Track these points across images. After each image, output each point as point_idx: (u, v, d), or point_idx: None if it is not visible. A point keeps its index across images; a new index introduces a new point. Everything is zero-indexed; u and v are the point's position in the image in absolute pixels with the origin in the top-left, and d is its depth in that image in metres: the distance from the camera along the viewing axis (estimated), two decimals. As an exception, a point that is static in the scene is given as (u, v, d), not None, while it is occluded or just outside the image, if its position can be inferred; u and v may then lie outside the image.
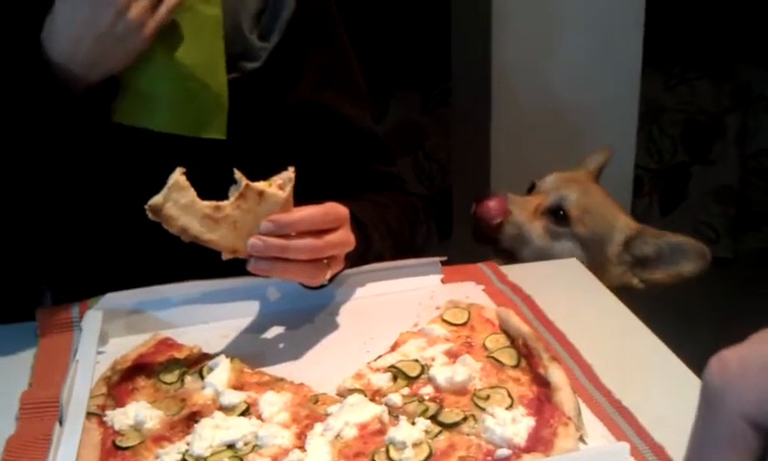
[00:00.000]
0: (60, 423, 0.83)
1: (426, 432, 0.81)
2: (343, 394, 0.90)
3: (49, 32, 0.97)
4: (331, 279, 1.05)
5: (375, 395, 0.89)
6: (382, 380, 0.91)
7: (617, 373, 0.93)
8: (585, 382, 0.92)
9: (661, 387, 0.93)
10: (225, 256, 0.92)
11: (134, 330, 1.03)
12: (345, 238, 1.00)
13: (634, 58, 2.38)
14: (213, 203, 0.90)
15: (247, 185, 0.91)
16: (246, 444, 0.80)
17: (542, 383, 0.88)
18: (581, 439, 0.81)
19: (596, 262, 1.51)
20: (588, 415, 0.85)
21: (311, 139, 1.21)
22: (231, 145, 1.08)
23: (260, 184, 0.92)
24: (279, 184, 0.94)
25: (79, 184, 1.08)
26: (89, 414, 0.83)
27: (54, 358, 0.98)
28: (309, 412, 0.86)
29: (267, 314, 1.09)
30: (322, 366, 0.97)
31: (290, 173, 0.95)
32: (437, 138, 3.16)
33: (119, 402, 0.88)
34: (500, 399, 0.86)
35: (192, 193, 0.89)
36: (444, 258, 1.18)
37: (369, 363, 0.95)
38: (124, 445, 0.81)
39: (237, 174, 0.92)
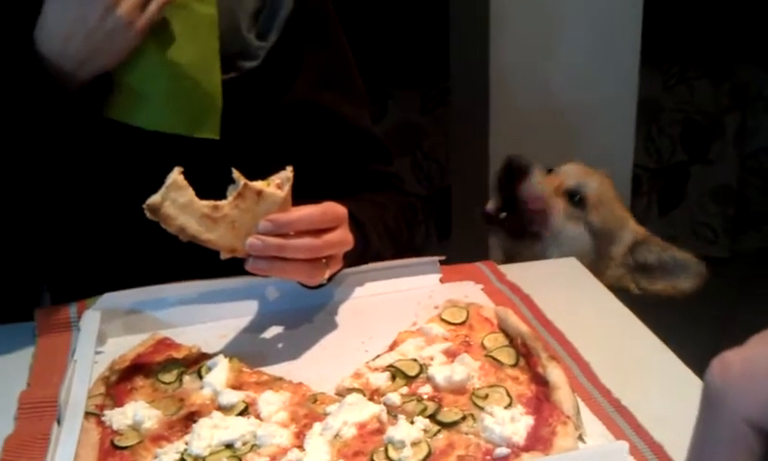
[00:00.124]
0: (59, 422, 0.83)
1: (425, 431, 0.81)
2: (341, 393, 0.90)
3: (41, 28, 0.97)
4: (330, 279, 1.05)
5: (374, 394, 0.88)
6: (381, 380, 0.90)
7: (616, 371, 0.93)
8: (583, 381, 0.92)
9: (660, 386, 0.93)
10: (223, 256, 0.92)
11: (133, 330, 1.03)
12: (343, 238, 1.00)
13: (632, 57, 2.38)
14: (211, 202, 0.90)
15: (245, 185, 0.91)
16: (244, 443, 0.80)
17: (541, 382, 0.88)
18: (580, 438, 0.81)
19: (600, 258, 1.52)
20: (586, 414, 0.85)
21: (309, 139, 1.21)
22: (229, 144, 1.08)
23: (258, 184, 0.92)
24: (278, 184, 0.94)
25: (76, 184, 1.08)
26: (88, 414, 0.83)
27: (52, 358, 0.98)
28: (308, 411, 0.86)
29: (265, 314, 1.09)
30: (320, 365, 0.97)
31: (288, 172, 0.95)
32: (436, 138, 3.16)
33: (117, 402, 0.88)
34: (499, 398, 0.86)
35: (190, 192, 0.89)
36: (443, 258, 1.18)
37: (367, 362, 0.95)
38: (122, 444, 0.80)
39: (235, 173, 0.91)
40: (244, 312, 1.08)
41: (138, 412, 0.84)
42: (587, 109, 2.39)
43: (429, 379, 0.90)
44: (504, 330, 0.99)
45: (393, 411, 0.85)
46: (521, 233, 1.58)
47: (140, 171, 0.98)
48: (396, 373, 0.91)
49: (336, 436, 0.81)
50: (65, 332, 1.03)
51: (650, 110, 3.23)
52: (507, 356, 0.93)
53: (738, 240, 3.43)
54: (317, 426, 0.82)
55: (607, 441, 0.81)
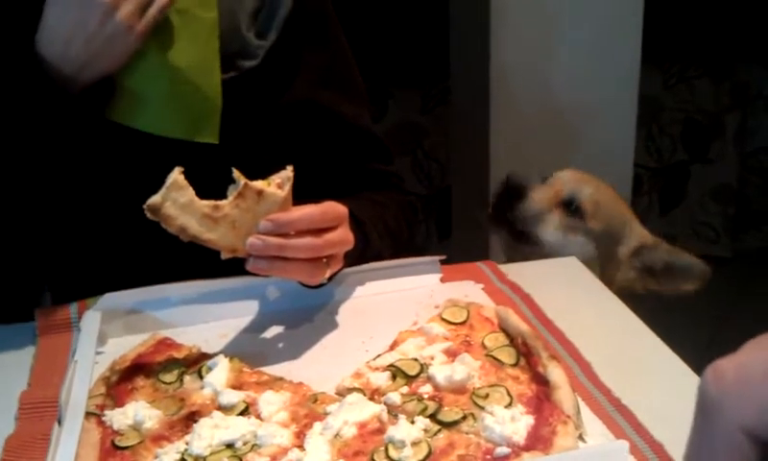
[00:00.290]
0: (59, 423, 0.83)
1: (425, 431, 0.81)
2: (342, 393, 0.90)
3: (41, 32, 0.97)
4: (330, 278, 1.05)
5: (374, 394, 0.88)
6: (381, 379, 0.90)
7: (616, 371, 0.93)
8: (584, 381, 0.92)
9: (660, 385, 0.92)
10: (224, 256, 0.92)
11: (133, 330, 1.03)
12: (344, 237, 1.00)
13: (632, 56, 2.38)
14: (212, 202, 0.90)
15: (245, 184, 0.91)
16: (245, 443, 0.80)
17: (542, 382, 0.88)
18: (580, 437, 0.81)
19: (608, 261, 1.52)
20: (587, 413, 0.85)
21: (309, 138, 1.21)
22: (229, 144, 1.08)
23: (259, 183, 0.92)
24: (278, 183, 0.94)
25: (77, 184, 1.08)
26: (88, 414, 0.83)
27: (53, 358, 0.98)
28: (308, 411, 0.86)
29: (266, 313, 1.09)
30: (321, 365, 0.97)
31: (288, 172, 0.95)
32: (436, 137, 3.16)
33: (118, 402, 0.88)
34: (499, 397, 0.86)
35: (191, 192, 0.89)
36: (444, 257, 1.18)
37: (368, 362, 0.95)
38: (123, 444, 0.81)
39: (236, 173, 0.92)
40: (244, 312, 1.08)
41: (139, 412, 0.84)
42: (587, 109, 2.38)
43: (430, 379, 0.90)
44: (504, 330, 0.99)
45: (393, 411, 0.85)
46: (523, 238, 1.58)
47: (141, 171, 0.98)
48: (396, 372, 0.91)
49: (336, 436, 0.81)
50: (66, 333, 1.03)
51: (650, 110, 3.23)
52: (507, 356, 0.93)
53: (739, 239, 3.43)
54: (317, 426, 0.82)
55: (607, 440, 0.81)
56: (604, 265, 1.53)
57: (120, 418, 0.83)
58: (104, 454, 0.80)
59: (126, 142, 1.05)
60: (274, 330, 1.06)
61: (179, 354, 0.96)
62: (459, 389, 0.88)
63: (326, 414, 0.85)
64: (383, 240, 1.18)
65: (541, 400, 0.85)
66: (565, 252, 1.50)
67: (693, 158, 3.40)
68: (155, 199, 0.87)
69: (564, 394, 0.84)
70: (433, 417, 0.83)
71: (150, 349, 0.97)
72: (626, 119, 2.44)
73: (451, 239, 2.98)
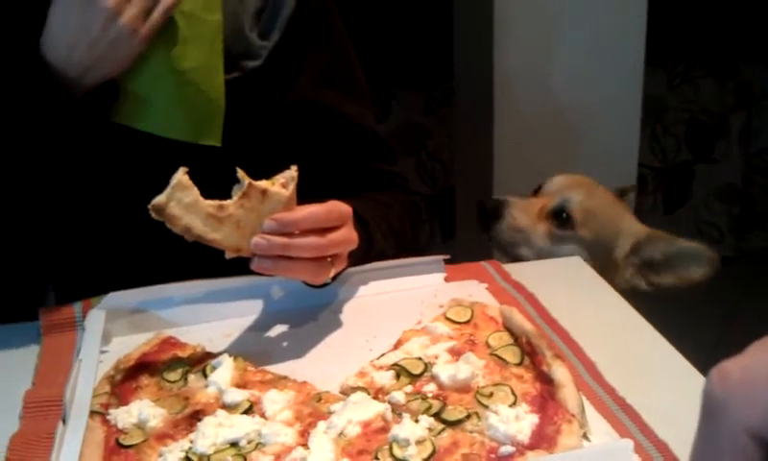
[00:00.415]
0: (64, 421, 0.83)
1: (430, 430, 0.81)
2: (346, 392, 0.90)
3: (46, 37, 0.98)
4: (334, 278, 1.05)
5: (379, 393, 0.88)
6: (385, 378, 0.90)
7: (621, 370, 0.93)
8: (588, 380, 0.92)
9: (665, 384, 0.92)
10: (228, 255, 0.92)
11: (137, 329, 1.04)
12: (348, 236, 1.00)
13: (636, 57, 2.38)
14: (216, 202, 0.90)
15: (250, 184, 0.91)
16: (249, 442, 0.80)
17: (546, 381, 0.87)
18: (584, 436, 0.81)
19: (603, 266, 1.51)
20: (591, 412, 0.85)
21: (313, 138, 1.21)
22: (233, 144, 1.08)
23: (263, 183, 0.92)
24: (282, 183, 0.94)
25: (82, 184, 1.08)
26: (93, 413, 0.83)
27: (57, 357, 0.98)
28: (312, 410, 0.86)
29: (270, 313, 1.09)
30: (325, 364, 0.97)
31: (293, 172, 0.95)
32: (440, 138, 3.16)
33: (122, 401, 0.88)
34: (504, 396, 0.86)
35: (195, 192, 0.89)
36: (448, 257, 1.18)
37: (372, 361, 0.95)
38: (127, 443, 0.81)
39: (240, 173, 0.92)
40: (248, 311, 1.08)
41: (143, 411, 0.84)
42: (591, 110, 2.38)
43: (434, 378, 0.90)
44: (509, 329, 0.99)
45: (397, 409, 0.85)
46: (508, 255, 1.58)
47: (145, 171, 0.98)
48: (400, 371, 0.91)
49: (341, 435, 0.81)
50: (70, 332, 1.03)
51: (655, 110, 3.22)
52: (512, 355, 0.93)
53: (743, 239, 3.42)
54: (321, 425, 0.82)
55: (612, 439, 0.81)
56: (601, 270, 1.51)
57: (124, 416, 0.84)
58: (108, 453, 0.80)
59: (130, 143, 1.05)
60: (278, 330, 1.06)
61: (183, 353, 0.97)
62: (463, 388, 0.88)
63: (331, 413, 0.85)
64: (387, 240, 1.18)
65: (546, 398, 0.85)
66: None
67: (698, 158, 3.39)
68: (159, 199, 0.87)
69: (568, 393, 0.84)
70: (437, 416, 0.83)
71: (154, 348, 0.98)
72: (630, 120, 2.44)
73: (455, 239, 2.98)
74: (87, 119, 1.00)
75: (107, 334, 1.01)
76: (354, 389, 0.89)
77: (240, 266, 0.95)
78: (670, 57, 3.19)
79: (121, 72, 1.00)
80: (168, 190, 0.87)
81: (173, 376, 0.92)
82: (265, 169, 0.96)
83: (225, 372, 0.91)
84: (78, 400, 0.84)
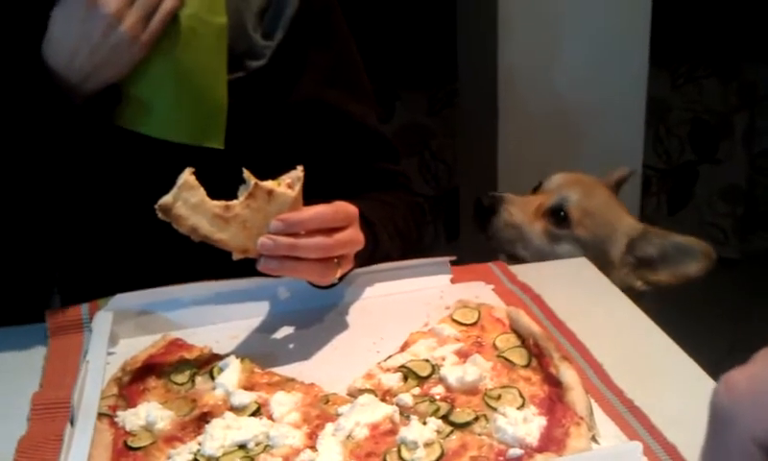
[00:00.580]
0: (72, 423, 0.83)
1: (438, 432, 0.81)
2: (353, 394, 0.89)
3: (47, 43, 0.98)
4: (341, 279, 1.05)
5: (386, 395, 0.88)
6: (393, 380, 0.90)
7: (629, 372, 0.93)
8: (596, 382, 0.91)
9: (673, 386, 0.92)
10: (235, 256, 0.92)
11: (144, 331, 1.03)
12: (354, 237, 1.00)
13: (640, 57, 2.37)
14: (223, 202, 0.90)
15: (256, 185, 0.91)
16: (257, 444, 0.80)
17: (554, 383, 0.87)
18: (593, 439, 0.81)
19: (600, 265, 1.50)
20: (599, 414, 0.85)
21: (317, 137, 1.21)
22: (237, 144, 1.08)
23: (269, 183, 0.92)
24: (288, 183, 0.94)
25: (87, 186, 1.08)
26: (100, 415, 0.83)
27: (64, 359, 0.98)
28: (320, 412, 0.86)
29: (277, 314, 1.09)
30: (332, 366, 0.97)
31: (299, 172, 0.95)
32: (443, 138, 3.16)
33: (130, 403, 0.88)
34: (511, 398, 0.85)
35: (202, 192, 0.89)
36: (454, 258, 1.18)
37: (379, 363, 0.94)
38: (135, 445, 0.81)
39: (246, 173, 0.92)
40: (255, 313, 1.08)
41: (151, 413, 0.84)
42: (595, 110, 2.38)
43: (441, 380, 0.90)
44: (516, 331, 0.98)
45: (405, 412, 0.85)
46: (504, 253, 1.58)
47: (151, 172, 0.98)
48: (408, 373, 0.91)
49: (348, 437, 0.80)
50: (77, 333, 1.03)
51: (658, 110, 3.22)
52: (519, 357, 0.93)
53: (747, 240, 3.41)
54: (329, 427, 0.82)
55: (620, 442, 0.81)
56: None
57: (132, 419, 0.83)
58: (116, 455, 0.80)
59: (135, 144, 1.05)
60: (284, 331, 1.05)
61: (190, 355, 0.96)
62: (471, 390, 0.87)
63: (338, 415, 0.84)
64: (393, 241, 1.18)
65: (554, 401, 0.85)
66: (552, 259, 1.48)
67: (701, 159, 3.39)
68: (166, 199, 0.87)
69: (576, 395, 0.84)
70: (445, 418, 0.83)
71: (161, 350, 0.97)
72: (634, 120, 2.44)
73: (459, 240, 2.98)
74: (89, 124, 1.00)
75: (113, 336, 1.01)
76: (362, 391, 0.89)
77: (246, 267, 0.95)
78: (674, 57, 3.19)
79: (122, 77, 1.00)
80: (175, 190, 0.87)
81: (180, 378, 0.92)
82: (269, 169, 0.95)
83: (232, 374, 0.91)
84: (86, 402, 0.84)
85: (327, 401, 0.88)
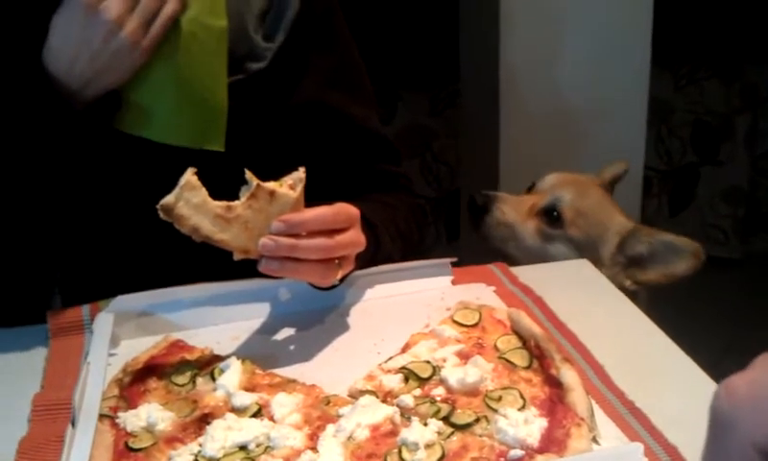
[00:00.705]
0: (73, 424, 0.83)
1: (439, 433, 0.81)
2: (354, 395, 0.89)
3: (48, 50, 0.98)
4: (342, 280, 1.05)
5: (387, 396, 0.88)
6: (394, 382, 0.90)
7: (630, 373, 0.93)
8: (597, 383, 0.91)
9: (674, 388, 0.92)
10: (236, 257, 0.92)
11: (146, 332, 1.04)
12: (355, 238, 1.00)
13: (642, 58, 2.37)
14: (224, 203, 0.90)
15: (258, 185, 0.91)
16: (258, 445, 0.80)
17: (555, 384, 0.87)
18: (594, 440, 0.81)
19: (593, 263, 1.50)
20: (600, 416, 0.85)
21: (318, 139, 1.21)
22: (239, 146, 1.08)
23: (271, 184, 0.92)
24: (290, 184, 0.94)
25: (88, 188, 1.08)
26: (102, 416, 0.83)
27: (65, 361, 0.98)
28: (321, 413, 0.86)
29: (277, 316, 1.09)
30: (333, 367, 0.97)
31: (301, 173, 0.95)
32: (445, 140, 3.16)
33: (131, 404, 0.88)
34: (512, 400, 0.85)
35: (203, 193, 0.89)
36: (455, 259, 1.18)
37: (380, 364, 0.95)
38: (136, 446, 0.81)
39: (248, 174, 0.92)
40: (256, 314, 1.08)
41: (152, 414, 0.84)
42: (597, 111, 2.38)
43: (442, 381, 0.90)
44: (517, 332, 0.98)
45: (406, 413, 0.85)
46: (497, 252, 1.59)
47: (152, 173, 0.98)
48: (408, 375, 0.91)
49: (349, 438, 0.80)
50: (78, 335, 1.03)
51: (661, 112, 3.22)
52: (520, 358, 0.93)
53: (749, 242, 3.41)
54: (330, 428, 0.82)
55: (621, 443, 0.81)
56: None
57: (133, 420, 0.84)
58: (117, 456, 0.80)
59: (136, 147, 1.05)
60: (285, 332, 1.06)
61: (191, 356, 0.97)
62: (472, 391, 0.88)
63: (339, 416, 0.84)
64: (394, 243, 1.18)
65: (555, 402, 0.85)
66: (546, 260, 1.48)
67: (703, 160, 3.38)
68: (168, 199, 0.87)
69: (577, 396, 0.84)
70: (446, 419, 0.83)
71: (162, 351, 0.97)
72: (636, 121, 2.43)
73: (460, 242, 2.98)
74: (90, 129, 1.00)
75: (115, 337, 1.01)
76: (363, 392, 0.89)
77: (247, 268, 0.95)
78: (676, 58, 3.19)
79: (122, 83, 1.00)
80: (177, 190, 0.88)
81: (181, 379, 0.92)
82: (270, 170, 0.95)
83: (233, 375, 0.91)
84: (87, 404, 0.84)
85: (328, 403, 0.88)
